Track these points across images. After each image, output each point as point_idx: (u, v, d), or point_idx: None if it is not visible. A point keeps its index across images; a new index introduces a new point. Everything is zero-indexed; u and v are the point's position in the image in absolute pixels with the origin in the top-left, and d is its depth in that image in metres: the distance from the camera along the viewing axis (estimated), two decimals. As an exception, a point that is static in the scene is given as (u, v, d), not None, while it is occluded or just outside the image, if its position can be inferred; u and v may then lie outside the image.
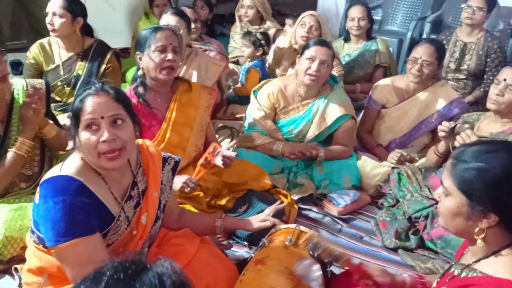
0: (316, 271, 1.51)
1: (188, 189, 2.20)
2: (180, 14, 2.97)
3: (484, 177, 1.17)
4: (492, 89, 2.31)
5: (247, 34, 3.57)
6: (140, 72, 2.32)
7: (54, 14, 2.74)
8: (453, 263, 1.35)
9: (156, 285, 0.73)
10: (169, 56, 2.20)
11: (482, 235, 1.20)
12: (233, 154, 2.28)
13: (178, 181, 2.18)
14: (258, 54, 3.53)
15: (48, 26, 2.78)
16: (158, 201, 1.66)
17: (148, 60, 2.22)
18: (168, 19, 2.90)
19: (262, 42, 3.55)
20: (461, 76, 3.72)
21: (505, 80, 2.27)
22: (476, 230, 1.20)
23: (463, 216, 1.21)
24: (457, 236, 1.33)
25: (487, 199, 1.17)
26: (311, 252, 1.57)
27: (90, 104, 1.45)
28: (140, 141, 1.70)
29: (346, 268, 1.64)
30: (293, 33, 3.41)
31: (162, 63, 2.21)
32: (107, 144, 1.44)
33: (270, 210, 1.93)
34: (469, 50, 3.67)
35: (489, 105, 2.33)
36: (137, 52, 2.28)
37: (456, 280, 1.26)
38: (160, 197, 1.67)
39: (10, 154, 2.02)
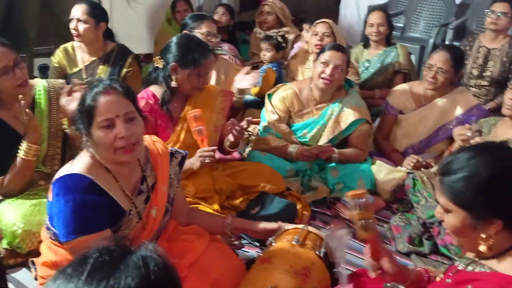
0: (347, 242, 1.56)
1: (207, 159, 2.19)
2: (215, 21, 3.07)
3: (473, 184, 1.14)
4: (507, 94, 2.27)
5: (268, 38, 3.58)
6: (173, 84, 2.31)
7: (78, 20, 2.83)
8: (458, 257, 1.33)
9: (140, 267, 0.76)
10: (205, 81, 2.34)
11: (490, 242, 1.16)
12: (244, 124, 2.36)
13: (194, 161, 2.20)
14: (278, 57, 3.56)
15: (73, 32, 2.87)
16: (167, 194, 1.71)
17: (186, 79, 2.30)
18: (210, 27, 3.00)
19: (283, 45, 3.57)
20: (484, 83, 3.66)
21: None
22: (484, 236, 1.16)
23: (470, 229, 1.18)
24: (472, 252, 1.27)
25: (485, 206, 1.14)
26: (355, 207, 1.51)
27: (104, 103, 1.49)
28: (146, 137, 1.74)
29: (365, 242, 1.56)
30: (308, 41, 3.43)
31: (199, 86, 2.34)
32: (124, 140, 1.50)
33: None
34: (492, 57, 3.62)
35: (504, 111, 2.29)
36: (174, 63, 2.27)
37: (462, 273, 1.24)
38: (168, 191, 1.72)
39: (18, 159, 2.04)
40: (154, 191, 1.68)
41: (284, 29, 4.09)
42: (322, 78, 2.65)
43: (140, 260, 0.77)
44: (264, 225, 1.89)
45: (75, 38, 2.90)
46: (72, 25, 2.86)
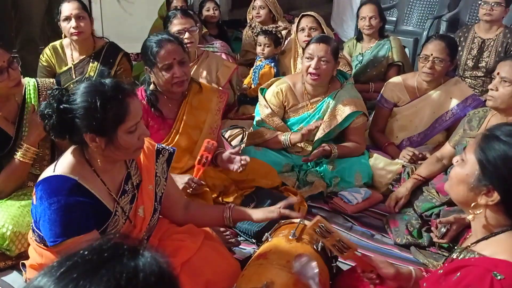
0: (314, 268, 1.47)
1: (190, 190, 2.19)
2: (187, 14, 2.96)
3: (507, 156, 1.16)
4: (490, 85, 2.22)
5: (267, 32, 3.49)
6: (151, 87, 2.30)
7: (78, 17, 2.75)
8: (454, 249, 1.32)
9: (120, 277, 0.63)
10: (177, 72, 2.19)
11: (478, 212, 1.19)
12: (247, 158, 2.28)
13: (180, 181, 2.17)
14: (276, 52, 3.49)
15: (72, 31, 2.76)
16: (154, 193, 1.66)
17: (157, 77, 2.24)
18: (180, 23, 2.85)
19: (281, 40, 3.53)
20: (479, 74, 3.62)
21: (498, 74, 2.16)
22: (473, 204, 1.20)
23: (467, 186, 1.21)
24: (456, 203, 1.33)
25: (499, 177, 1.16)
26: (320, 238, 1.50)
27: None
28: None
29: (350, 260, 1.58)
30: (295, 38, 3.38)
31: (172, 80, 2.22)
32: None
33: (280, 203, 1.83)
34: (487, 47, 3.59)
35: (487, 102, 2.21)
36: (146, 67, 2.28)
37: (453, 262, 1.25)
38: (155, 190, 1.67)
39: (15, 161, 2.02)
40: (140, 190, 1.64)
41: (280, 23, 4.04)
42: (309, 73, 2.60)
43: (129, 268, 0.64)
44: (266, 215, 1.81)
45: (74, 36, 2.79)
46: (71, 23, 2.74)
